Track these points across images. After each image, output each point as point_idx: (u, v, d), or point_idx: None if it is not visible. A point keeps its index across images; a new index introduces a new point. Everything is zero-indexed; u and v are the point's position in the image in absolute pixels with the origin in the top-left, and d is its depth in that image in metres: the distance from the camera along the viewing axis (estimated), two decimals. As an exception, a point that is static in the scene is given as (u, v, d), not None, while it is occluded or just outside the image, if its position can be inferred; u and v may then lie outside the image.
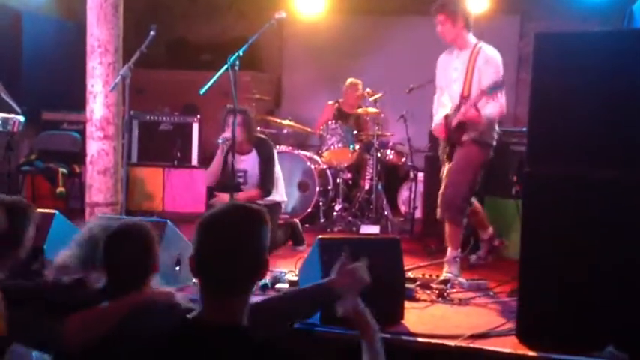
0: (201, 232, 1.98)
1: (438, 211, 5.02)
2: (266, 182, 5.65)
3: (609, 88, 3.35)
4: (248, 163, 5.71)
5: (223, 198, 5.45)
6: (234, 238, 1.96)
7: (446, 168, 5.06)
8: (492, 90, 4.70)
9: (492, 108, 4.82)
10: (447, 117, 5.03)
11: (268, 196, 5.59)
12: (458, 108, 4.92)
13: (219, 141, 5.55)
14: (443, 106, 5.15)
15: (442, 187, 5.01)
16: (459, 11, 4.94)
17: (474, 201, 5.28)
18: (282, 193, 5.91)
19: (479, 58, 4.85)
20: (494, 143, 5.01)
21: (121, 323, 2.40)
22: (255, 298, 2.31)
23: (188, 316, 1.98)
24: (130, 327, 2.38)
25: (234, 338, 1.91)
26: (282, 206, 5.97)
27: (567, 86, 3.44)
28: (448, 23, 4.92)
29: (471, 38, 4.98)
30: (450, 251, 4.95)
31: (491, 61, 4.84)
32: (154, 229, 2.84)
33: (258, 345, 1.90)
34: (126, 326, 2.39)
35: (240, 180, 5.69)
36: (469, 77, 4.87)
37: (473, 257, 5.48)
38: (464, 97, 4.89)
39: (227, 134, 5.41)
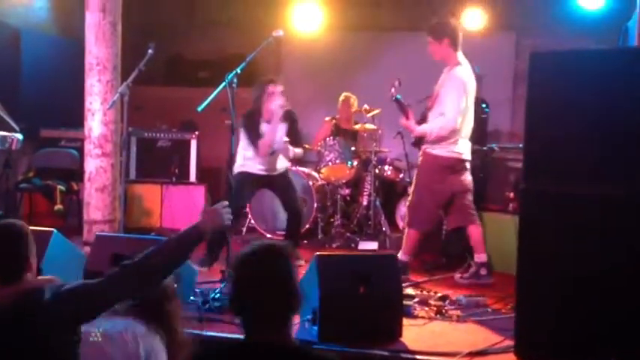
0: (236, 271, 2.13)
1: (406, 220, 5.51)
2: (300, 142, 6.11)
3: (605, 105, 3.37)
4: (276, 132, 5.76)
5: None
6: (268, 277, 2.09)
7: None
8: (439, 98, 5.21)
9: (434, 124, 5.19)
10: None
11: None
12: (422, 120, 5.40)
13: (277, 106, 5.62)
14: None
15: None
16: (445, 32, 5.30)
17: (477, 222, 5.39)
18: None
19: (446, 76, 5.27)
20: (444, 155, 5.21)
21: (13, 308, 2.42)
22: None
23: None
24: (24, 309, 2.41)
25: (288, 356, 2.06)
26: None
27: (563, 104, 3.46)
28: (435, 44, 5.30)
29: (459, 57, 5.29)
30: (401, 254, 5.32)
31: (450, 80, 5.21)
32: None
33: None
34: (19, 310, 2.41)
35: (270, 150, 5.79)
36: (436, 93, 5.30)
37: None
38: (427, 109, 5.37)
39: (280, 102, 5.64)
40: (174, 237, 2.69)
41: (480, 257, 5.36)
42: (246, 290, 2.08)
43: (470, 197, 5.36)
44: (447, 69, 5.31)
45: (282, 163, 5.93)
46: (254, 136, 5.66)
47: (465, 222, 5.37)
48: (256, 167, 5.77)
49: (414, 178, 5.45)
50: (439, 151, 5.21)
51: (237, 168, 5.71)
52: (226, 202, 2.73)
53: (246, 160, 5.78)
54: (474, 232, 5.36)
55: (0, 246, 2.56)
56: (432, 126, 5.21)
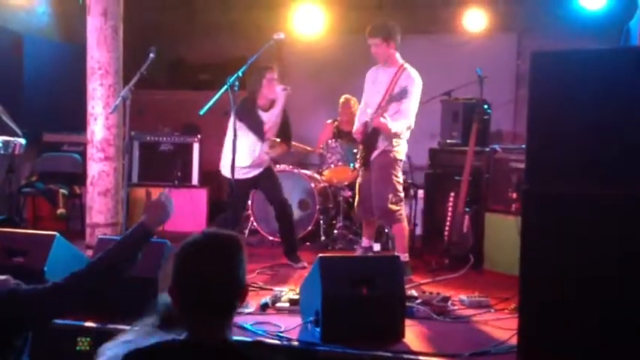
0: (180, 263, 2.01)
1: (358, 208, 5.81)
2: (290, 133, 6.11)
3: (607, 105, 3.37)
4: (267, 117, 5.86)
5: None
6: (215, 266, 1.98)
7: (361, 172, 5.79)
8: (397, 97, 5.36)
9: (401, 122, 5.40)
10: (366, 123, 5.61)
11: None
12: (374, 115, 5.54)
13: (281, 89, 5.84)
14: (365, 114, 5.69)
15: (373, 197, 5.54)
16: (393, 34, 5.53)
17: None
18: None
19: (402, 75, 5.48)
20: (403, 158, 5.59)
21: None
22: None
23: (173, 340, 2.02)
24: None
25: (227, 357, 1.96)
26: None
27: (565, 104, 3.46)
28: (383, 45, 5.50)
29: (399, 58, 5.58)
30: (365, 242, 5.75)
31: (409, 79, 5.44)
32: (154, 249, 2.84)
33: None
34: None
35: (263, 135, 5.87)
36: (389, 90, 5.47)
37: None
38: (380, 106, 5.47)
39: (281, 87, 5.85)
40: (120, 239, 2.69)
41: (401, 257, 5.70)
42: (194, 281, 1.97)
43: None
44: (390, 69, 5.54)
45: (265, 155, 5.96)
46: (257, 123, 5.78)
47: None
48: (241, 172, 5.74)
49: (376, 177, 5.52)
50: (397, 148, 5.50)
51: (226, 173, 5.77)
52: (167, 193, 2.71)
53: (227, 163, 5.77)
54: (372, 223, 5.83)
55: None
56: (401, 125, 5.43)
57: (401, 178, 5.59)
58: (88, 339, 2.39)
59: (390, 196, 5.43)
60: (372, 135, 5.52)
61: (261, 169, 5.93)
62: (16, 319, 2.38)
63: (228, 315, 2.03)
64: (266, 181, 5.99)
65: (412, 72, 5.50)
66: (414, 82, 5.44)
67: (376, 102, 5.56)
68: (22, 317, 2.40)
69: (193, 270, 1.98)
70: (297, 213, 6.96)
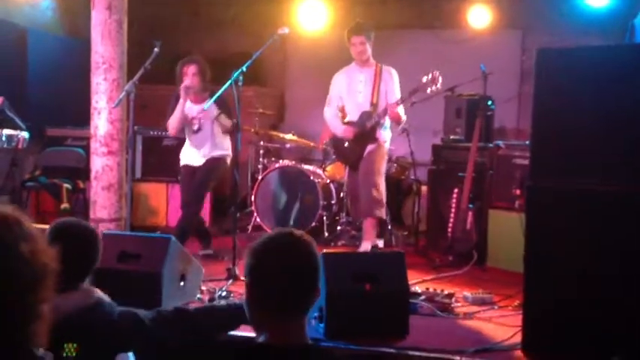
0: (258, 259, 1.95)
1: (359, 212, 6.06)
2: (232, 117, 5.66)
3: (611, 102, 3.36)
4: (201, 110, 5.72)
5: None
6: (295, 259, 1.95)
7: (349, 173, 6.15)
8: (409, 97, 5.76)
9: (403, 111, 5.88)
10: (350, 123, 5.96)
11: (237, 128, 5.39)
12: (369, 113, 5.86)
13: (182, 87, 5.64)
14: (337, 115, 6.12)
15: (362, 189, 5.87)
16: (371, 35, 5.86)
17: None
18: (229, 147, 5.94)
19: (384, 72, 5.89)
20: (389, 145, 6.12)
21: (79, 319, 2.42)
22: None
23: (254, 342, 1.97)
24: (90, 322, 2.44)
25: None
26: (228, 160, 5.97)
27: (569, 100, 3.46)
28: (366, 44, 5.83)
29: (372, 59, 5.96)
30: (364, 243, 5.89)
31: (394, 76, 5.93)
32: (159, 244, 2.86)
33: None
34: (85, 322, 2.43)
35: (195, 127, 5.81)
36: (376, 88, 5.84)
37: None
38: (373, 104, 5.82)
39: (188, 83, 5.64)
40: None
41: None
42: (273, 277, 1.92)
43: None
44: (369, 68, 5.90)
45: (211, 151, 5.83)
46: (168, 116, 5.78)
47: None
48: (186, 158, 5.92)
49: (369, 168, 5.87)
50: (388, 142, 6.02)
51: (180, 160, 5.97)
52: None
53: (184, 150, 5.94)
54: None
55: (70, 245, 2.38)
56: (403, 111, 5.91)
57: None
58: (75, 345, 2.39)
59: (382, 188, 5.85)
60: (371, 130, 5.83)
61: (202, 162, 5.86)
62: (131, 343, 2.47)
63: (306, 315, 1.99)
64: (200, 174, 5.84)
65: (389, 68, 5.97)
66: (395, 74, 5.95)
67: (359, 101, 5.93)
68: (134, 341, 2.50)
69: (272, 264, 1.94)
70: (299, 209, 6.97)
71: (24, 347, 1.43)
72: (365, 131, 5.89)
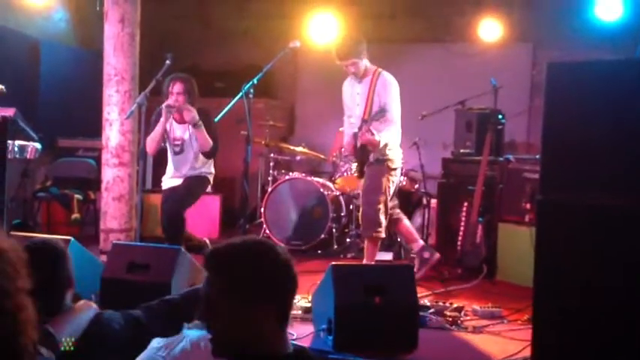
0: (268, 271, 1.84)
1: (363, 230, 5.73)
2: (212, 143, 5.51)
3: (622, 116, 3.35)
4: (185, 131, 5.54)
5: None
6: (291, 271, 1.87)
7: (361, 184, 5.71)
8: (377, 116, 5.36)
9: (388, 130, 5.42)
10: (354, 135, 5.60)
11: (215, 152, 5.48)
12: (360, 129, 5.51)
13: (162, 107, 5.35)
14: (351, 126, 5.73)
15: (361, 207, 5.66)
16: (361, 49, 5.51)
17: (401, 216, 5.81)
18: (212, 172, 5.80)
19: (378, 82, 5.49)
20: (398, 164, 5.60)
21: (85, 337, 2.43)
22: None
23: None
24: (95, 337, 2.45)
25: None
26: (210, 179, 5.81)
27: (580, 114, 3.45)
28: (358, 63, 5.49)
29: (370, 65, 5.59)
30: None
31: (388, 87, 5.48)
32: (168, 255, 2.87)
33: None
34: (91, 338, 2.43)
35: (177, 149, 5.59)
36: (369, 101, 5.50)
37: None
38: (364, 120, 5.49)
39: (170, 102, 5.33)
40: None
41: (416, 245, 5.78)
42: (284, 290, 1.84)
43: (395, 200, 5.77)
44: (367, 79, 5.55)
45: (192, 172, 5.63)
46: (148, 133, 5.39)
47: (395, 222, 5.79)
48: (168, 183, 5.72)
49: (369, 186, 5.53)
50: (390, 155, 5.51)
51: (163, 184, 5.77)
52: None
53: (166, 172, 5.76)
54: (402, 227, 5.83)
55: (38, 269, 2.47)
56: (389, 134, 5.44)
57: (393, 185, 5.59)
58: (73, 339, 2.40)
59: (381, 207, 5.45)
60: (362, 149, 5.56)
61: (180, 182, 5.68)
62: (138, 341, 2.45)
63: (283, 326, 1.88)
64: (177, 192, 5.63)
65: (387, 75, 5.54)
66: (391, 85, 5.49)
67: (357, 114, 5.63)
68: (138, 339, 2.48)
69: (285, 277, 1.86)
70: (309, 221, 6.97)
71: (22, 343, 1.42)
72: (358, 149, 5.60)
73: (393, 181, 5.55)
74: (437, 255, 5.67)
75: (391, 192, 5.57)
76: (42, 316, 2.30)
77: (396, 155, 5.55)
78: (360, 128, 5.48)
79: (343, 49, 5.51)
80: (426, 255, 5.73)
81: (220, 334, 1.83)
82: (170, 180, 5.70)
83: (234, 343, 1.81)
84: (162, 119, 5.38)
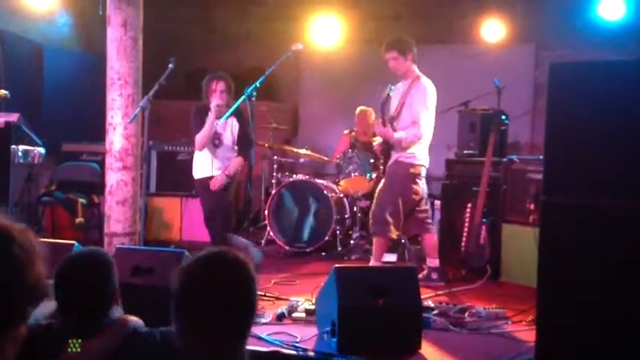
0: (185, 281, 1.84)
1: (371, 226, 5.76)
2: (248, 148, 5.76)
3: (625, 116, 3.34)
4: (223, 127, 5.73)
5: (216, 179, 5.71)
6: (224, 281, 1.83)
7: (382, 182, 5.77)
8: (409, 132, 5.46)
9: (408, 132, 5.49)
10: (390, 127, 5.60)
11: (252, 144, 5.66)
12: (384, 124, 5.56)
13: (214, 106, 5.60)
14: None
15: (373, 204, 5.73)
16: (409, 48, 5.62)
17: (432, 229, 5.81)
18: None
19: (415, 84, 5.57)
20: (416, 163, 5.57)
21: (122, 351, 2.37)
22: None
23: None
24: (134, 351, 2.35)
25: None
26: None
27: (583, 115, 3.44)
28: (400, 59, 5.58)
29: (415, 70, 5.66)
30: (372, 261, 5.67)
31: (421, 88, 5.53)
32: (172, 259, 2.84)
33: None
34: (128, 352, 2.37)
35: (216, 142, 5.76)
36: (402, 100, 5.59)
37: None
38: (392, 118, 5.59)
39: (219, 101, 5.61)
40: None
41: (433, 262, 5.71)
42: (199, 304, 1.80)
43: (425, 205, 5.77)
44: (407, 81, 5.61)
45: (228, 165, 5.79)
46: (197, 130, 5.70)
47: (422, 230, 5.77)
48: (201, 172, 5.80)
49: (384, 185, 5.64)
50: (412, 159, 5.54)
51: (195, 174, 5.87)
52: None
53: (200, 164, 5.84)
54: (429, 239, 5.76)
55: (86, 278, 2.33)
56: (408, 134, 5.48)
57: (422, 189, 5.64)
58: (80, 340, 2.35)
59: (390, 207, 5.53)
60: (385, 146, 5.67)
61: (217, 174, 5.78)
62: None
63: (242, 341, 1.87)
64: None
65: (425, 81, 5.58)
66: (426, 90, 5.52)
67: (391, 113, 5.70)
68: None
69: (204, 290, 1.82)
70: (313, 223, 6.98)
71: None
72: (385, 145, 5.69)
73: (415, 186, 5.56)
74: (442, 284, 5.59)
75: (421, 197, 5.63)
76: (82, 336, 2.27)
77: (418, 160, 5.56)
78: (384, 124, 5.55)
79: (387, 42, 5.66)
80: (434, 276, 5.67)
81: (183, 348, 1.84)
82: (206, 170, 5.79)
83: (200, 356, 1.81)
84: (210, 117, 5.61)
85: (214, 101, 5.62)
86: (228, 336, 1.82)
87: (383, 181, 5.72)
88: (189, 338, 1.83)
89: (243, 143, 5.77)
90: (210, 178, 5.74)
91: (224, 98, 5.64)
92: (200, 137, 5.66)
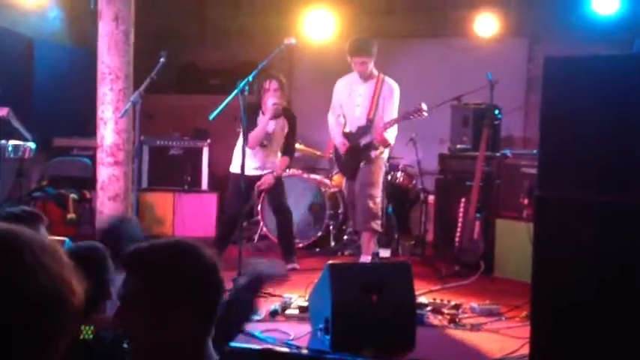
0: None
1: (357, 223, 5.95)
2: (293, 150, 6.14)
3: (619, 111, 3.33)
4: (273, 126, 5.93)
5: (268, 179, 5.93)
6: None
7: (347, 185, 6.07)
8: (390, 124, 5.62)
9: (393, 132, 5.71)
10: (347, 135, 5.88)
11: (247, 139, 5.62)
12: (364, 129, 5.75)
13: (271, 105, 5.76)
14: (340, 125, 5.98)
15: (358, 201, 5.80)
16: (374, 52, 5.75)
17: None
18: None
19: (384, 88, 5.73)
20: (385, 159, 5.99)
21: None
22: None
23: None
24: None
25: None
26: None
27: (577, 109, 3.43)
28: (368, 63, 5.71)
29: (375, 70, 5.81)
30: (363, 257, 5.80)
31: (394, 93, 5.74)
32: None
33: None
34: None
35: (265, 142, 5.92)
36: (374, 103, 5.73)
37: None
38: (369, 120, 5.72)
39: (275, 99, 5.78)
40: None
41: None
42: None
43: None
44: (372, 81, 5.76)
45: (273, 162, 6.02)
46: (249, 128, 5.71)
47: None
48: (250, 167, 5.77)
49: (373, 181, 5.78)
50: (385, 155, 5.91)
51: (232, 168, 5.94)
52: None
53: (237, 159, 5.80)
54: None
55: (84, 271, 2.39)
56: (393, 135, 5.73)
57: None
58: (92, 327, 2.35)
59: (379, 200, 5.82)
60: (364, 148, 5.75)
61: (266, 171, 5.97)
62: None
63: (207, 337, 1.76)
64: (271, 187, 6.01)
65: (391, 81, 5.78)
66: (395, 91, 5.75)
67: (356, 115, 5.82)
68: None
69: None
70: (307, 218, 6.95)
71: None
72: (359, 147, 5.81)
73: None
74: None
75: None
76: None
77: (385, 155, 5.95)
78: (364, 128, 5.73)
79: (360, 45, 5.73)
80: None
81: (136, 341, 1.67)
82: (249, 169, 5.74)
83: (151, 352, 1.66)
84: (266, 116, 5.79)
85: (270, 99, 5.76)
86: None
87: (363, 177, 5.78)
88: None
89: (290, 145, 6.04)
90: (249, 176, 5.68)
91: (278, 96, 5.80)
92: (254, 135, 5.74)
